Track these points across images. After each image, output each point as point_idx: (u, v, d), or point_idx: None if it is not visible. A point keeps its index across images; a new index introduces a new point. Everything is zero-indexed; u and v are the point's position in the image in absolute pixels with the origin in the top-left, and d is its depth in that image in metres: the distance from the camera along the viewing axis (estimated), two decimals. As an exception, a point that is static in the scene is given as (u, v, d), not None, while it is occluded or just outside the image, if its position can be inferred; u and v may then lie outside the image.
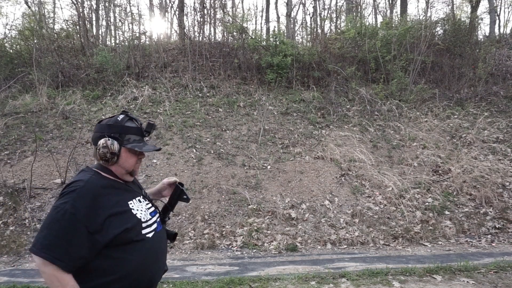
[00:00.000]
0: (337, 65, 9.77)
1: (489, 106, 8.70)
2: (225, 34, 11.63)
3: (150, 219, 1.42)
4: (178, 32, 12.94)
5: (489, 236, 5.16)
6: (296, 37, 14.30)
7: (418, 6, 34.00)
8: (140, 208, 1.39)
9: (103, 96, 8.68)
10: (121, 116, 1.41)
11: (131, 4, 28.72)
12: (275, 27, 17.33)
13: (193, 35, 11.43)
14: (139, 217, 1.35)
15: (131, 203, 1.36)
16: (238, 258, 4.63)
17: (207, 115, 8.13)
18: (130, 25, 18.41)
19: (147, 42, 11.44)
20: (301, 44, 12.61)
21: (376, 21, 17.35)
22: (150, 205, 1.50)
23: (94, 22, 14.61)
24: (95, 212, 1.22)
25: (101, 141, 1.34)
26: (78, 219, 1.18)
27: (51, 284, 1.17)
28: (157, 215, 1.52)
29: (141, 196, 1.48)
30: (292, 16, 15.52)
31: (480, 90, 9.12)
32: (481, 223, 5.38)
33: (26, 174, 6.09)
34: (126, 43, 11.32)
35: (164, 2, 15.16)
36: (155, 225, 1.43)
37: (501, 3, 15.94)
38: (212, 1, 12.25)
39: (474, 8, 13.14)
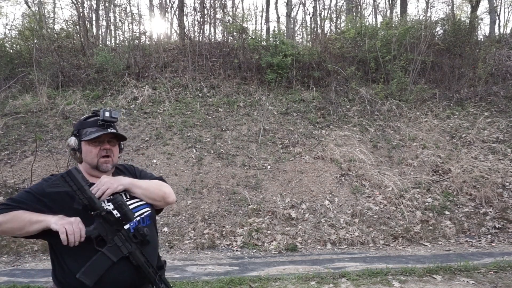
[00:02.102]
0: (337, 65, 9.77)
1: (489, 106, 8.70)
2: (225, 34, 11.63)
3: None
4: (178, 32, 12.93)
5: (489, 236, 5.16)
6: (296, 37, 14.31)
7: (418, 6, 34.01)
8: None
9: (103, 96, 8.68)
10: (86, 115, 1.50)
11: (131, 4, 28.67)
12: (275, 27, 17.33)
13: (193, 35, 11.43)
14: None
15: None
16: (238, 258, 4.63)
17: (207, 115, 8.13)
18: (130, 25, 18.39)
19: (147, 42, 11.43)
20: (301, 44, 12.61)
21: (376, 21, 17.34)
22: (134, 203, 1.41)
23: (94, 22, 14.59)
24: (42, 199, 1.30)
25: (67, 142, 1.46)
26: (32, 195, 1.31)
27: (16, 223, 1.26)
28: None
29: (121, 194, 1.38)
30: (292, 16, 15.52)
31: (480, 90, 9.12)
32: (481, 223, 5.38)
33: (26, 174, 6.10)
34: (126, 43, 11.31)
35: (164, 2, 15.15)
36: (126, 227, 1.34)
37: (501, 3, 15.93)
38: (212, 1, 12.25)
39: (474, 8, 13.13)
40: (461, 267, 3.88)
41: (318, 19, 15.11)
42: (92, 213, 1.26)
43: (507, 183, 6.08)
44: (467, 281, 3.56)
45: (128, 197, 1.44)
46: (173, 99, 8.59)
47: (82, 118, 1.49)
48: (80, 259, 1.24)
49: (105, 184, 1.32)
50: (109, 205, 1.33)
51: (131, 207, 1.38)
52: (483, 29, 16.35)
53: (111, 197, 1.30)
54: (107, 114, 1.42)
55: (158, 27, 19.90)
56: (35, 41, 10.28)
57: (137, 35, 11.33)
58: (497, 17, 14.76)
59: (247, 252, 4.82)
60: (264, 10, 17.22)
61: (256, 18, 24.83)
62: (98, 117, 1.43)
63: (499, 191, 5.91)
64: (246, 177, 6.36)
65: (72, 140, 1.42)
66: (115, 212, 1.30)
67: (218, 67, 9.85)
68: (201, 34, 11.58)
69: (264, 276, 3.87)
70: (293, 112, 8.48)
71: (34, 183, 1.41)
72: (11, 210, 1.25)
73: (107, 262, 1.25)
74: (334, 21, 14.90)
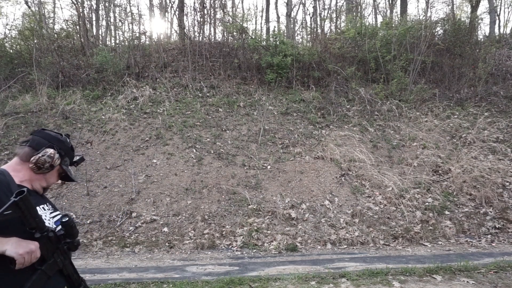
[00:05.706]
0: (337, 65, 9.77)
1: (489, 106, 8.70)
2: (225, 34, 11.63)
3: (55, 228, 1.35)
4: (178, 32, 12.94)
5: (489, 236, 5.16)
6: (296, 37, 14.31)
7: (418, 6, 33.99)
8: (44, 215, 1.35)
9: (103, 96, 8.68)
10: (67, 139, 1.52)
11: (131, 4, 28.70)
12: (275, 27, 17.33)
13: (193, 35, 11.43)
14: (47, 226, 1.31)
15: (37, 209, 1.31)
16: (238, 258, 4.62)
17: (207, 115, 8.13)
18: (130, 25, 18.42)
19: (147, 42, 11.43)
20: (301, 44, 12.61)
21: (376, 21, 17.36)
22: (55, 213, 1.46)
23: (94, 22, 14.61)
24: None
25: (50, 150, 1.38)
26: None
27: None
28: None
29: (46, 204, 1.44)
30: (292, 16, 15.52)
31: (480, 90, 9.12)
32: (481, 223, 5.38)
33: (26, 174, 6.09)
34: (126, 43, 11.32)
35: (164, 2, 15.16)
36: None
37: (501, 3, 15.96)
38: (212, 1, 12.25)
39: (474, 8, 13.14)
40: (461, 267, 3.88)
41: (318, 19, 15.13)
42: (38, 235, 1.21)
43: (507, 183, 6.07)
44: (467, 281, 3.56)
45: (51, 208, 1.46)
46: (173, 99, 8.59)
47: (68, 143, 1.49)
48: (14, 270, 1.17)
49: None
50: (49, 221, 1.35)
51: (54, 219, 1.41)
52: (483, 29, 16.33)
53: (67, 218, 1.32)
54: (80, 161, 1.60)
55: (158, 27, 19.90)
56: (35, 41, 10.28)
57: (137, 35, 11.33)
58: (497, 17, 14.77)
59: (247, 252, 4.82)
60: (264, 10, 17.25)
61: (256, 18, 24.81)
62: (75, 157, 1.54)
63: (499, 191, 5.91)
64: (246, 177, 6.36)
65: (56, 157, 1.39)
66: (58, 229, 1.31)
67: (218, 67, 9.85)
68: (201, 34, 11.60)
69: (264, 276, 3.87)
70: (293, 112, 8.48)
71: None
72: None
73: (45, 278, 1.26)
74: (334, 21, 14.93)
